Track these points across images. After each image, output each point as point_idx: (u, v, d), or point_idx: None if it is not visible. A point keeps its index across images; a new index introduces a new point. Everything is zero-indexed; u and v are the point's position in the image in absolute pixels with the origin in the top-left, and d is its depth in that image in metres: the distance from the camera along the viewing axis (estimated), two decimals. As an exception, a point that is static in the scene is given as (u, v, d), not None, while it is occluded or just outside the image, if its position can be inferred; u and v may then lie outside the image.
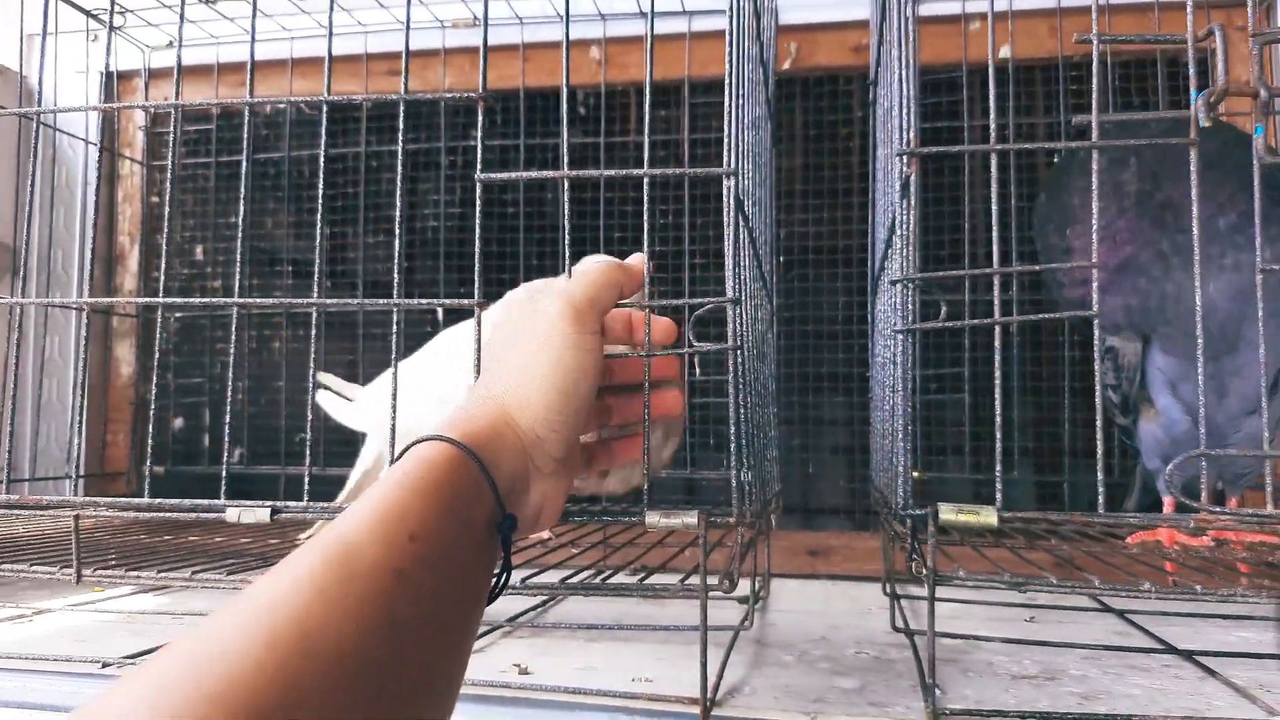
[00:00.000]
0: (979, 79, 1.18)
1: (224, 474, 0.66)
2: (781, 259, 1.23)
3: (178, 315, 1.41)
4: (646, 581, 0.61)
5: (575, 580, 0.67)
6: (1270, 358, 0.75)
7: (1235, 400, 0.80)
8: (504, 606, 0.89)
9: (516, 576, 0.62)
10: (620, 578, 0.69)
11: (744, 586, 0.86)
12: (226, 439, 0.69)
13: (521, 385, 0.47)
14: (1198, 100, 0.53)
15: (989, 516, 0.53)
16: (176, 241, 1.43)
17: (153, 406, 0.68)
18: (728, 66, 0.59)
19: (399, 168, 0.62)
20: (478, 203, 0.59)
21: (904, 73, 0.58)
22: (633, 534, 0.95)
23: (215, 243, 1.43)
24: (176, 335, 1.43)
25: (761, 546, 0.90)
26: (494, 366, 0.49)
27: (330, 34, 0.67)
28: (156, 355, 0.71)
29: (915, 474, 1.05)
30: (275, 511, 0.60)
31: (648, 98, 0.58)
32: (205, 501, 0.62)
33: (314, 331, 0.65)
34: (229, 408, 0.70)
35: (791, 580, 1.12)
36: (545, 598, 0.94)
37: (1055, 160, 1.11)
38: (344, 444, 1.22)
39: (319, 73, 1.28)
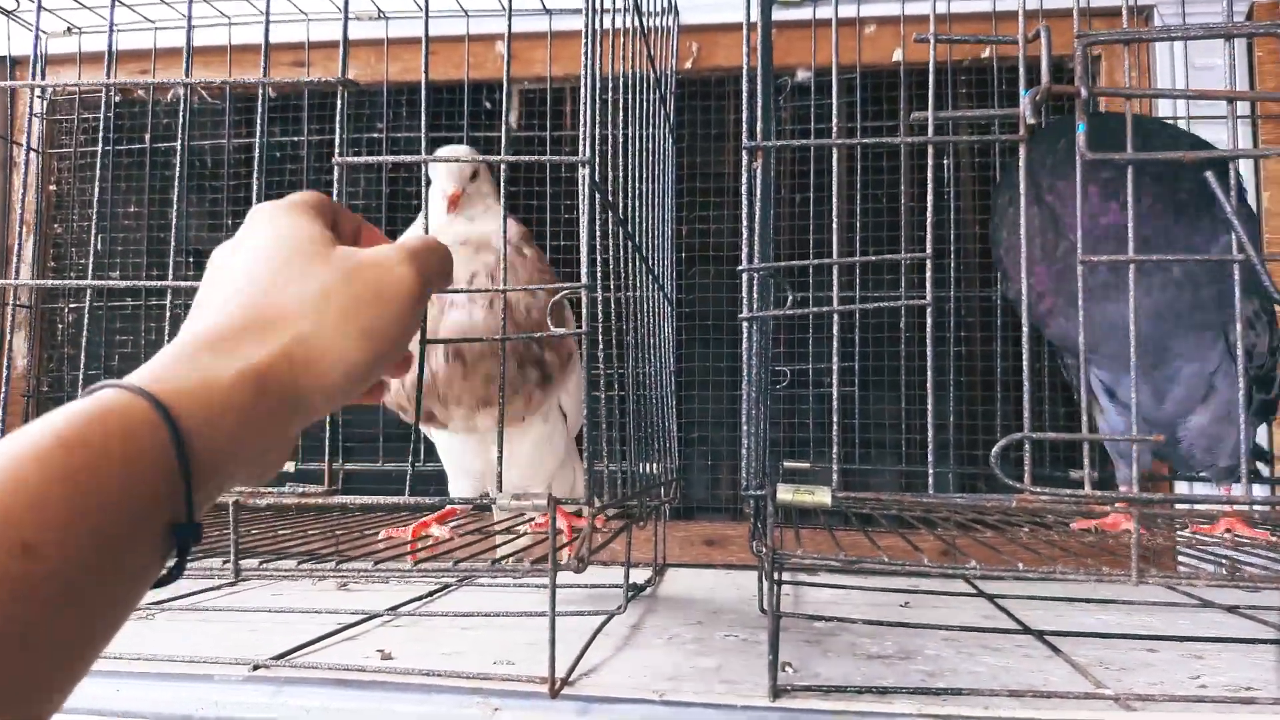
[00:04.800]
0: (873, 82, 1.21)
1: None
2: (683, 255, 1.25)
3: (72, 305, 1.38)
4: (497, 565, 0.62)
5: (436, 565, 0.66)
6: (1199, 366, 0.80)
7: (1171, 405, 0.85)
8: (387, 598, 0.89)
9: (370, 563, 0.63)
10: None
11: (637, 575, 0.87)
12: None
13: (328, 325, 0.36)
14: (1025, 98, 0.56)
15: (824, 496, 0.55)
16: (74, 231, 1.40)
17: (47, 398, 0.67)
18: (583, 62, 0.60)
19: (257, 153, 0.62)
20: (335, 185, 0.60)
21: (747, 70, 0.59)
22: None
23: (114, 233, 1.41)
24: (73, 327, 1.40)
25: (644, 535, 0.92)
26: (275, 291, 0.37)
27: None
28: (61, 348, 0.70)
29: (805, 465, 1.07)
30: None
31: (506, 85, 0.59)
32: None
33: (168, 314, 0.65)
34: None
35: (686, 569, 1.14)
36: (435, 587, 0.95)
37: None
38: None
39: (223, 62, 1.26)
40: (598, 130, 0.60)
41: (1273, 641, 0.74)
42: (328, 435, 0.61)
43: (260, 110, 0.64)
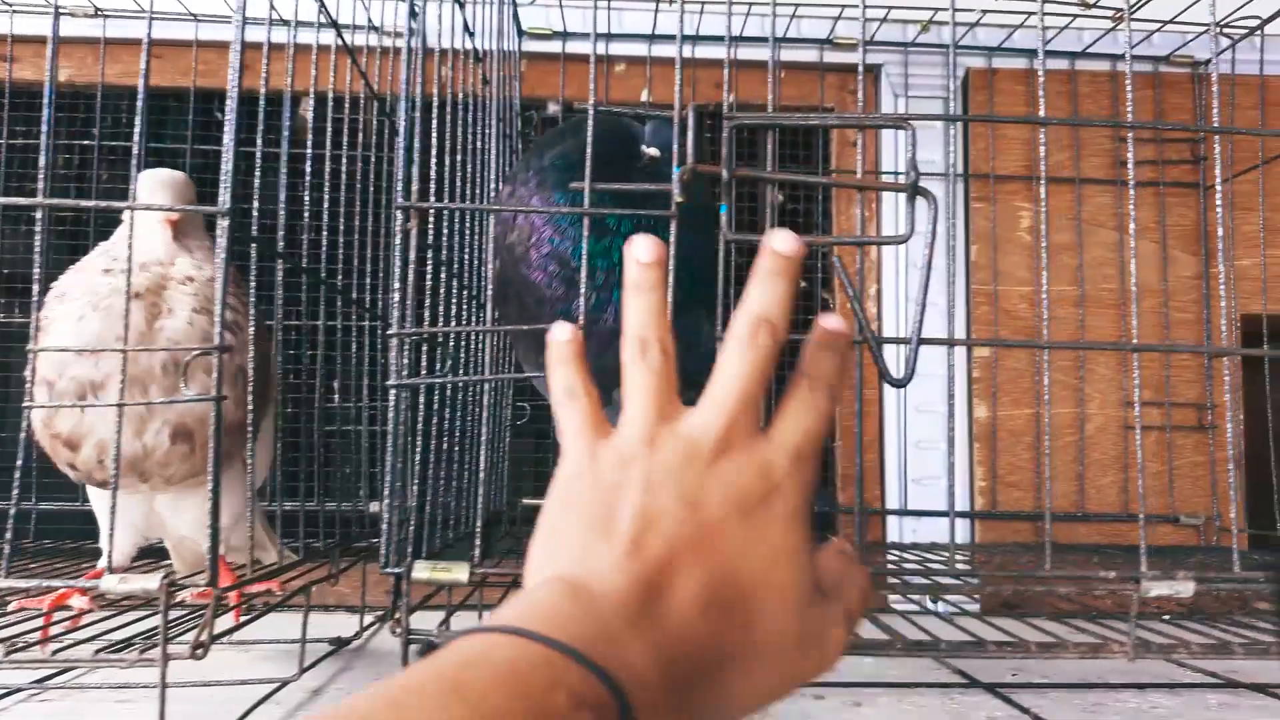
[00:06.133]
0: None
1: None
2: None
3: None
4: (109, 654, 0.56)
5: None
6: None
7: None
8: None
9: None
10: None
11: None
12: None
13: (753, 666, 0.36)
14: (675, 175, 0.56)
15: (460, 573, 0.53)
16: None
17: None
18: (229, 79, 0.56)
19: None
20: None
21: (405, 124, 0.57)
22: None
23: None
24: None
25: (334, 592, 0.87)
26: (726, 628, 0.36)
27: None
28: None
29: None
30: None
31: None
32: None
33: None
34: None
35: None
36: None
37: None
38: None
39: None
40: (233, 175, 0.56)
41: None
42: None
43: None
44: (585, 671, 0.30)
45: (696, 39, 1.14)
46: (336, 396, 1.06)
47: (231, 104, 0.56)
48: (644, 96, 1.19)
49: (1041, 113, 0.59)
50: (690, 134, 0.56)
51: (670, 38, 1.09)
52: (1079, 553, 1.10)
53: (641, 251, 0.41)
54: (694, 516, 0.36)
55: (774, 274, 0.40)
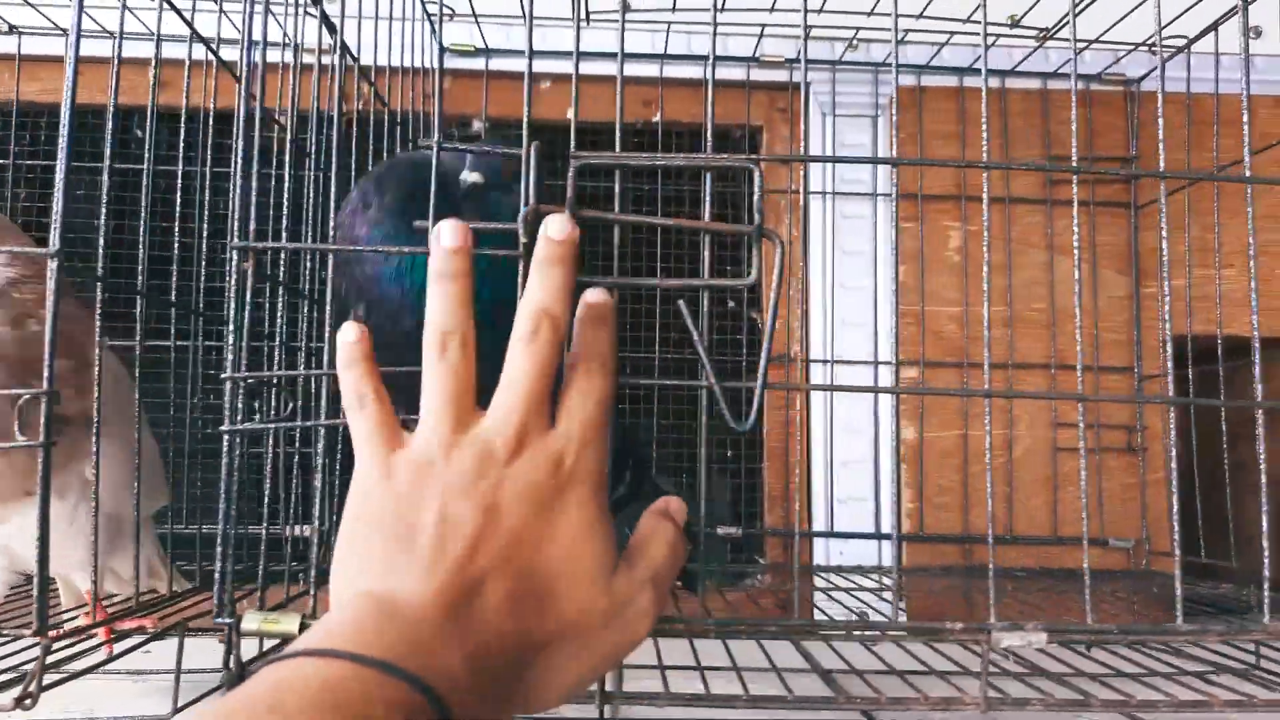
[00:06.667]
0: (548, 137, 1.20)
1: None
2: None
3: None
4: None
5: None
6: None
7: None
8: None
9: None
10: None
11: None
12: None
13: (567, 647, 0.37)
14: (521, 214, 0.55)
15: (290, 624, 0.52)
16: None
17: None
18: (64, 100, 0.54)
19: None
20: None
21: (241, 157, 0.56)
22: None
23: None
24: None
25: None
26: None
27: None
28: None
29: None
30: None
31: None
32: None
33: None
34: None
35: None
36: None
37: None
38: None
39: None
40: (60, 216, 0.54)
41: None
42: None
43: None
44: (398, 682, 0.30)
45: (625, 56, 1.12)
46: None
47: (65, 128, 0.55)
48: (569, 114, 1.18)
49: (984, 131, 0.58)
50: (532, 173, 0.54)
51: (597, 55, 1.08)
52: (1009, 577, 1.10)
53: (448, 237, 0.42)
54: (493, 521, 0.37)
55: (550, 261, 0.42)
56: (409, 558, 0.36)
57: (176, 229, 0.94)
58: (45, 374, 0.54)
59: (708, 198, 0.55)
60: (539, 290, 0.42)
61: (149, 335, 0.68)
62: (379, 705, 0.29)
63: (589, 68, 1.17)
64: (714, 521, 0.87)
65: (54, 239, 0.55)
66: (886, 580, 1.07)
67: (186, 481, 0.95)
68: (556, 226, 0.43)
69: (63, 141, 0.55)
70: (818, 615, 0.96)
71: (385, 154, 1.07)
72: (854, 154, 1.19)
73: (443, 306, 0.41)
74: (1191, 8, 0.96)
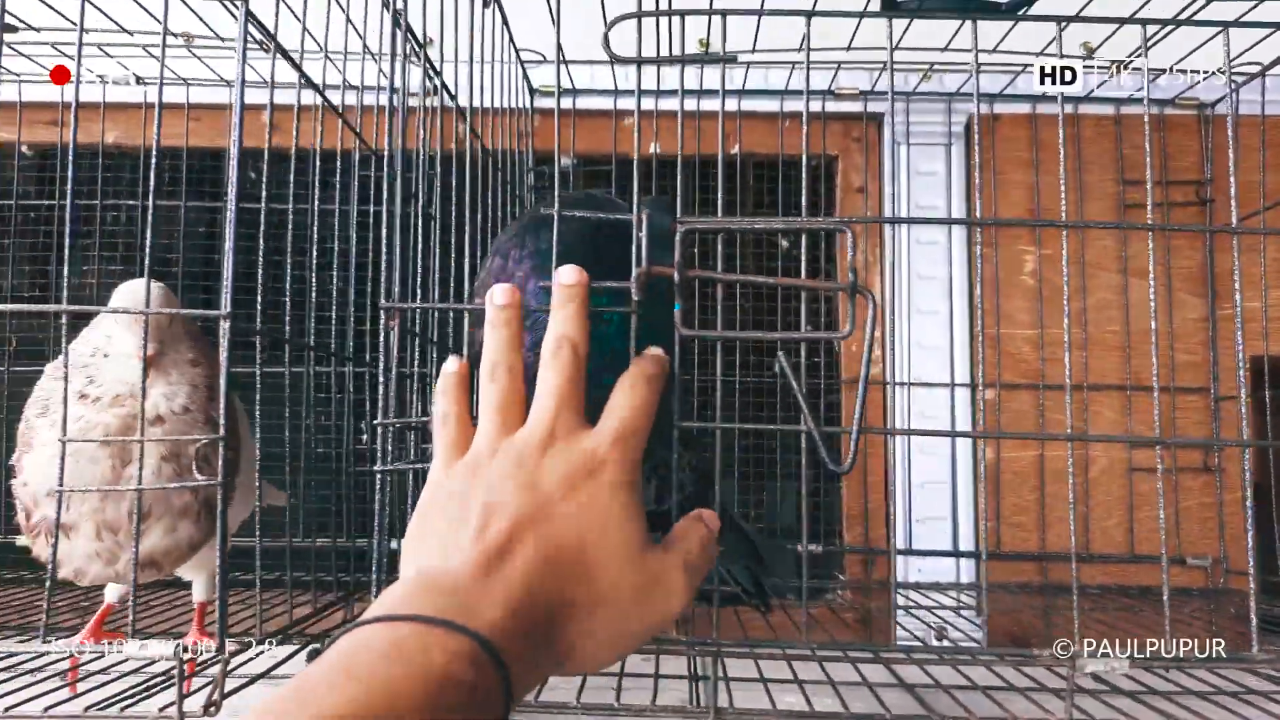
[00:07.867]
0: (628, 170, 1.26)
1: None
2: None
3: None
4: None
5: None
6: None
7: None
8: None
9: None
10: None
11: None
12: None
13: (600, 613, 0.43)
14: (634, 275, 0.60)
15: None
16: None
17: None
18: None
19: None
20: None
21: (388, 223, 0.62)
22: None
23: None
24: None
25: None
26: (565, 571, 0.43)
27: None
28: None
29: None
30: None
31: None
32: None
33: None
34: None
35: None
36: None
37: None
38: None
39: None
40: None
41: None
42: None
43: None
44: (450, 631, 0.36)
45: (700, 93, 1.18)
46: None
47: (232, 204, 0.62)
48: (652, 149, 1.24)
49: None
50: (645, 236, 0.60)
51: (675, 93, 1.13)
52: (1086, 595, 1.12)
53: (499, 296, 0.50)
54: (531, 497, 0.43)
55: (565, 301, 0.49)
56: (458, 537, 0.43)
57: (288, 262, 1.01)
58: (221, 421, 0.61)
59: (803, 260, 0.60)
60: (559, 324, 0.49)
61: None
62: (437, 652, 0.35)
63: (667, 104, 1.23)
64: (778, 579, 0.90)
65: (225, 301, 0.62)
66: (964, 598, 1.11)
67: (302, 500, 1.02)
68: (567, 275, 0.50)
69: (230, 218, 0.62)
70: (899, 630, 1.00)
71: (483, 191, 1.14)
72: (926, 182, 1.22)
73: (495, 346, 0.49)
74: (1265, 39, 0.98)
